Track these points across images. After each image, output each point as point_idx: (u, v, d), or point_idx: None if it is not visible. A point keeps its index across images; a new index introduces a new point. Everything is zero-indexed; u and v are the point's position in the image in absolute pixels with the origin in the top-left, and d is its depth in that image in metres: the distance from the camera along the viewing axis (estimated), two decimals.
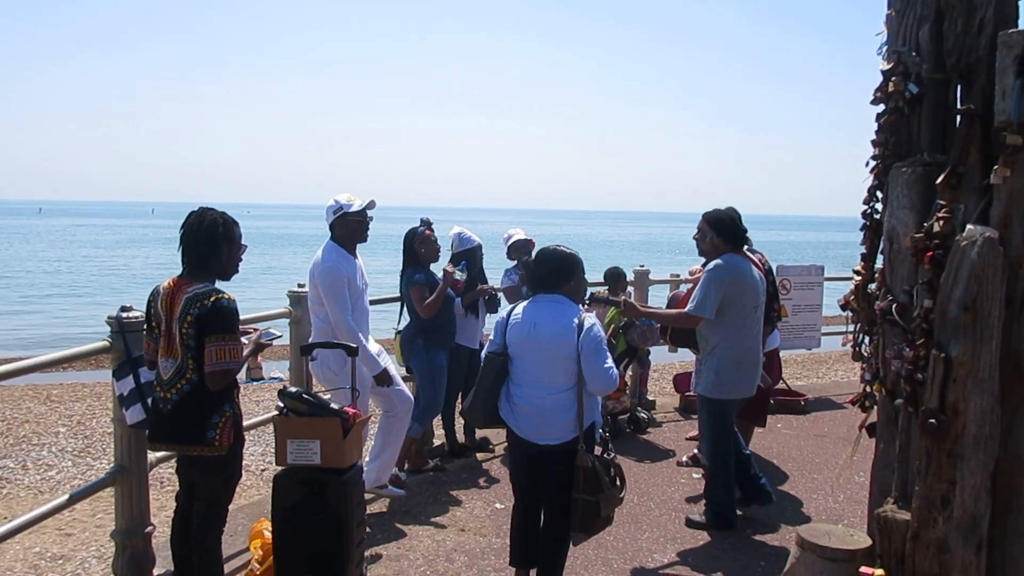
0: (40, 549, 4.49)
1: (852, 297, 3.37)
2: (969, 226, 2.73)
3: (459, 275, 5.32)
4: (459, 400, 5.76)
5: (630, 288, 7.11)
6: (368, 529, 4.07)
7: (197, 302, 3.15)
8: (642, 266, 7.82)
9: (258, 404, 8.53)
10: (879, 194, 3.25)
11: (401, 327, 5.54)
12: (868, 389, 3.33)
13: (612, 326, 6.20)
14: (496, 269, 6.34)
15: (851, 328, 3.46)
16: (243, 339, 3.39)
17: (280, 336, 3.72)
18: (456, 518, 4.75)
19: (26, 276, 28.99)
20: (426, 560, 4.17)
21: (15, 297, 22.91)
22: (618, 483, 3.51)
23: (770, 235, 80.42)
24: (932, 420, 2.72)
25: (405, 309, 5.49)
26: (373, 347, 4.63)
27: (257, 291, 21.16)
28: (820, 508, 5.03)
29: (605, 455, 3.51)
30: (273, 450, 3.63)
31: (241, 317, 3.39)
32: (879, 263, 3.27)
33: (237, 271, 3.42)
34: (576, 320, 3.42)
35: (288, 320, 5.04)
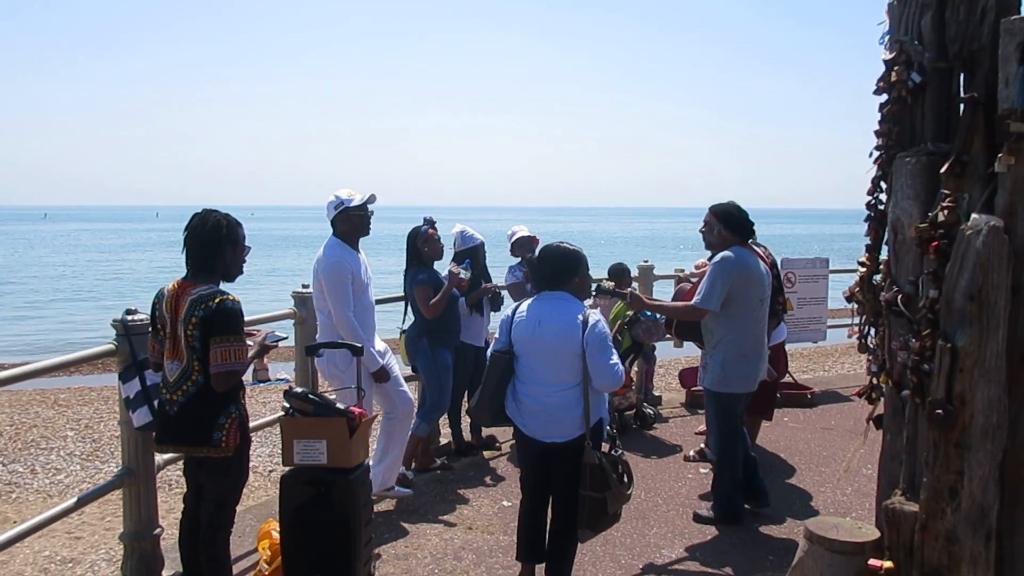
0: (50, 552, 4.51)
1: (857, 289, 3.36)
2: (974, 215, 2.71)
3: (464, 273, 5.32)
4: (465, 398, 5.76)
5: (634, 284, 7.10)
6: (376, 528, 4.07)
7: (202, 304, 3.15)
8: (646, 261, 7.81)
9: (265, 405, 8.55)
10: (883, 184, 3.23)
11: (406, 326, 5.55)
12: (874, 381, 3.31)
13: (618, 322, 6.19)
14: (500, 267, 6.34)
15: (857, 320, 3.45)
16: (248, 341, 3.40)
17: (286, 338, 3.72)
18: (463, 516, 4.76)
19: (31, 281, 29.10)
20: (434, 558, 4.17)
21: (21, 303, 23.00)
22: (625, 480, 3.51)
23: (774, 228, 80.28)
24: (939, 411, 2.71)
25: (409, 308, 5.49)
26: (380, 345, 4.65)
27: (262, 292, 21.20)
28: (828, 501, 5.01)
29: (612, 452, 3.51)
30: (280, 451, 3.63)
31: (246, 318, 3.39)
32: (884, 254, 3.26)
33: (241, 273, 3.43)
34: (580, 317, 3.42)
35: (293, 321, 5.05)
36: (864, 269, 3.33)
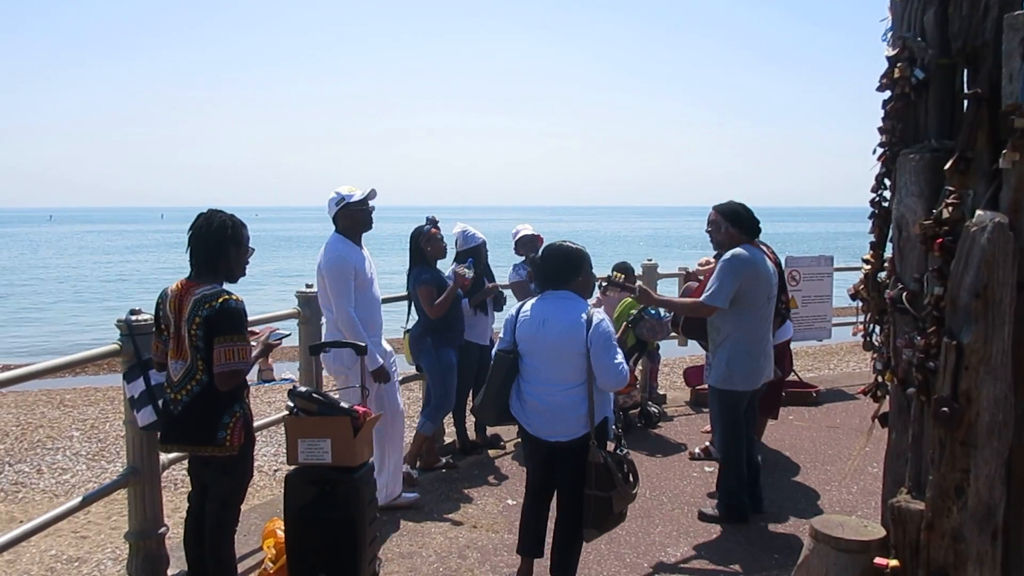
0: (56, 551, 4.52)
1: (862, 286, 3.35)
2: (979, 212, 2.70)
3: (468, 273, 5.33)
4: (470, 397, 5.76)
5: (639, 283, 7.10)
6: (380, 527, 4.07)
7: (205, 303, 3.16)
8: (650, 260, 7.80)
9: (269, 405, 8.57)
10: (887, 182, 3.22)
11: (409, 326, 5.56)
12: (880, 379, 3.30)
13: (624, 323, 6.19)
14: (503, 266, 6.34)
15: (861, 318, 3.44)
16: (251, 341, 3.41)
17: (289, 335, 3.73)
18: (468, 515, 4.76)
19: (36, 283, 29.18)
20: (439, 557, 4.17)
21: (26, 304, 23.07)
22: (631, 479, 3.50)
23: (779, 227, 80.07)
24: (945, 409, 2.70)
25: (413, 308, 5.50)
26: (386, 347, 4.64)
27: (266, 293, 21.23)
28: (833, 499, 5.00)
29: (618, 451, 3.50)
30: (285, 450, 3.64)
31: (250, 318, 3.40)
32: (888, 251, 3.25)
33: (244, 274, 3.43)
34: (585, 316, 3.41)
35: (297, 321, 5.05)
36: (869, 267, 3.32)
